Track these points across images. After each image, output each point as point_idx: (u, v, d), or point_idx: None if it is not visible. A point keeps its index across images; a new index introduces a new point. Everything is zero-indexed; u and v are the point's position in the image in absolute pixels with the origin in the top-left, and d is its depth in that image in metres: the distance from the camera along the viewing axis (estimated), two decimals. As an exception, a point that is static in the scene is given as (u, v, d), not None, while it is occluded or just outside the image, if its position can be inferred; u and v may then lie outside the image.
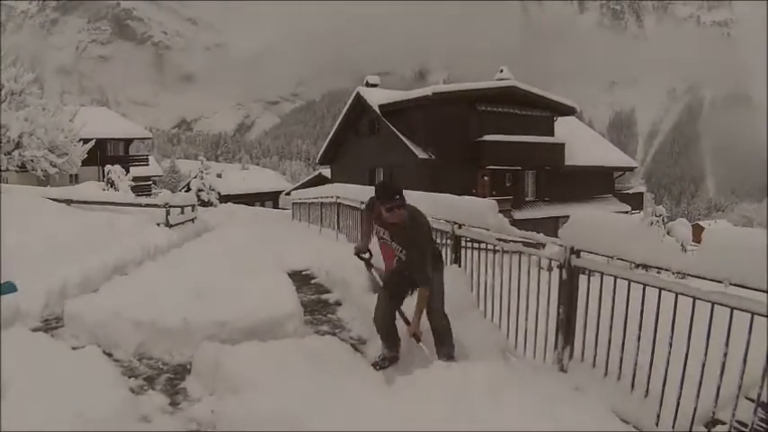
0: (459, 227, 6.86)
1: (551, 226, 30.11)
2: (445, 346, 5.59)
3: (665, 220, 31.29)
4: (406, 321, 5.54)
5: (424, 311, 5.43)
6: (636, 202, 39.87)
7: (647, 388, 4.46)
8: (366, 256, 6.16)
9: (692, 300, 4.02)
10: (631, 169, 42.13)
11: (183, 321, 6.03)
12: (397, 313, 5.69)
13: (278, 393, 4.30)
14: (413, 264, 5.33)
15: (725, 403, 3.90)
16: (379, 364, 5.76)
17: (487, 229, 6.19)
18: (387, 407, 4.28)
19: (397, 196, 5.14)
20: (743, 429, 3.91)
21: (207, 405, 4.63)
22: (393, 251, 5.56)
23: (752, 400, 3.82)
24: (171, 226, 15.17)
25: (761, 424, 3.96)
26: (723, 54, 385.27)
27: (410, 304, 5.53)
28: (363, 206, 6.02)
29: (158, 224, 14.38)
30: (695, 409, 4.06)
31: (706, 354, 3.96)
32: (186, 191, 39.70)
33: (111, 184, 27.90)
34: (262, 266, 9.17)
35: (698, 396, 4.02)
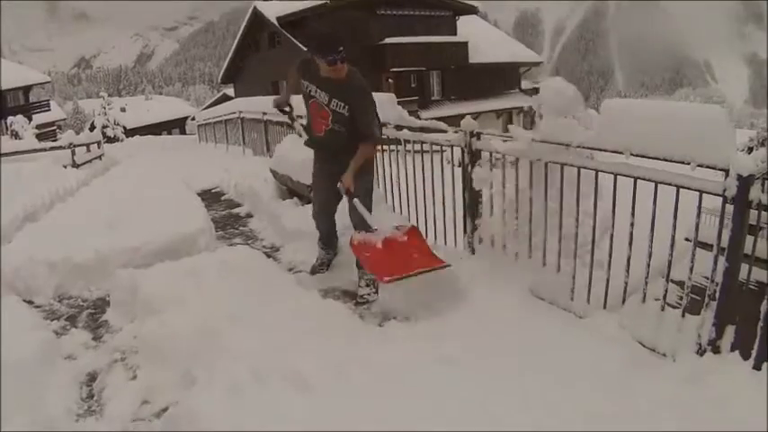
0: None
1: (458, 123, 30.45)
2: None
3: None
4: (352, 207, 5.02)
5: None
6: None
7: (558, 265, 4.53)
8: (287, 108, 5.71)
9: (594, 173, 4.07)
10: (537, 64, 42.59)
11: (96, 254, 5.88)
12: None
13: (195, 308, 4.27)
14: (359, 116, 4.82)
15: (640, 275, 3.97)
16: (317, 270, 5.61)
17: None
18: (303, 309, 4.34)
19: (341, 48, 4.64)
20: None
21: (129, 332, 4.55)
22: (326, 114, 4.91)
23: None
24: (78, 166, 14.82)
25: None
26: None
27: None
28: (296, 65, 5.28)
29: (65, 166, 13.93)
30: (608, 280, 4.16)
31: (613, 226, 4.03)
32: (91, 130, 38.50)
33: (16, 135, 26.86)
34: (170, 190, 9.06)
35: (609, 268, 4.12)
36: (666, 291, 3.87)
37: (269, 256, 6.05)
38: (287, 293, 4.68)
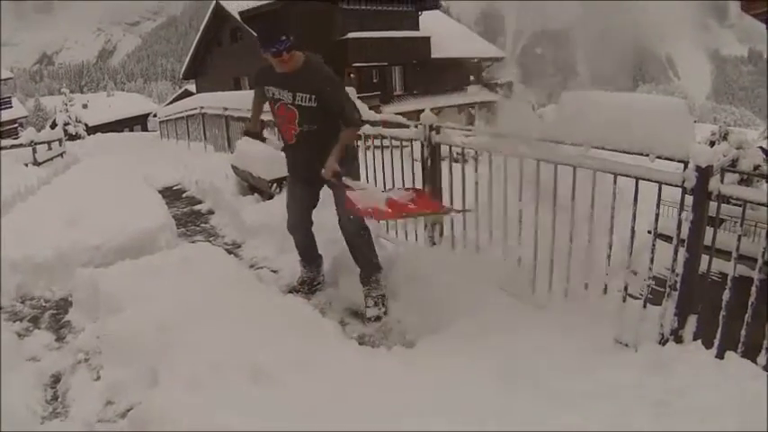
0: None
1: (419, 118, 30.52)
2: (365, 257, 4.79)
3: (535, 107, 32.00)
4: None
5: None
6: (506, 91, 40.42)
7: (519, 258, 4.55)
8: (257, 130, 5.40)
9: (553, 166, 4.07)
10: (498, 59, 42.63)
11: (57, 252, 5.82)
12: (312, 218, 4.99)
13: (157, 306, 4.23)
14: (334, 104, 4.40)
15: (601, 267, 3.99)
16: (298, 288, 5.15)
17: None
18: (264, 305, 4.35)
19: (284, 37, 4.24)
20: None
21: (91, 332, 4.50)
22: (293, 114, 4.48)
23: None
24: (39, 164, 14.60)
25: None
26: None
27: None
28: (253, 78, 4.98)
29: (26, 164, 13.72)
30: (568, 272, 4.17)
31: (572, 216, 4.03)
32: (52, 127, 37.88)
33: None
34: (131, 188, 8.99)
35: (569, 258, 4.13)
36: (628, 283, 3.89)
37: (230, 253, 6.01)
38: (248, 290, 4.67)
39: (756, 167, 8.18)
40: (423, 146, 5.04)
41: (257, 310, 4.23)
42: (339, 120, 4.43)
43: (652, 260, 3.73)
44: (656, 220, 3.69)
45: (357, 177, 4.74)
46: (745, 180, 8.16)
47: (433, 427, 2.87)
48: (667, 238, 3.76)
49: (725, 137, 19.89)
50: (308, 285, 5.16)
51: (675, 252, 3.54)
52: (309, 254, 5.17)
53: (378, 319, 4.58)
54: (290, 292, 5.05)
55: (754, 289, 3.30)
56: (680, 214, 3.52)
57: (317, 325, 4.16)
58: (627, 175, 3.66)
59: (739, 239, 3.40)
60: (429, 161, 5.04)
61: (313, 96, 4.39)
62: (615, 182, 3.75)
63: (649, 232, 3.83)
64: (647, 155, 3.48)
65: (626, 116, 3.64)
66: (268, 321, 4.05)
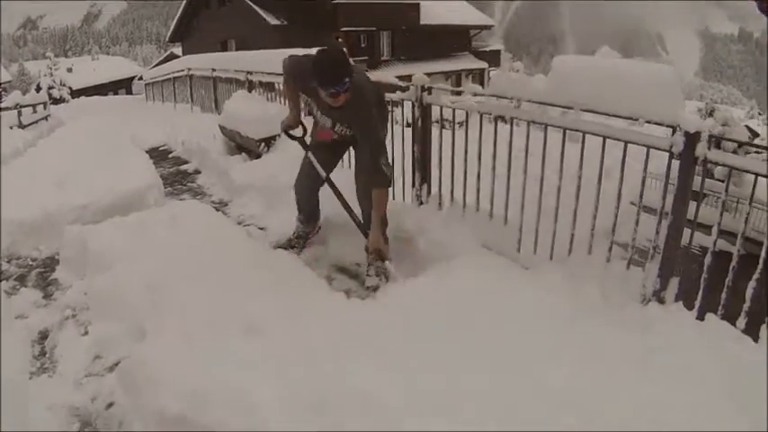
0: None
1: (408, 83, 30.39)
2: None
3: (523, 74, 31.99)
4: (347, 208, 4.56)
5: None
6: (493, 59, 40.40)
7: (506, 217, 4.59)
8: (299, 132, 4.89)
9: (544, 127, 4.09)
10: (488, 27, 42.51)
11: (44, 212, 5.78)
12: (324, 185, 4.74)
13: (145, 263, 4.23)
14: (363, 154, 4.29)
15: (586, 231, 4.05)
16: (293, 243, 5.01)
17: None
18: (253, 261, 4.36)
19: (347, 79, 3.89)
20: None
21: (79, 289, 4.51)
22: (330, 131, 4.39)
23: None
24: (24, 127, 14.33)
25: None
26: None
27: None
28: (284, 68, 4.56)
29: (11, 127, 13.58)
30: (554, 233, 4.22)
31: (561, 178, 4.07)
32: (37, 91, 37.52)
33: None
34: (118, 148, 8.88)
35: (555, 221, 4.18)
36: (612, 246, 3.94)
37: (218, 210, 5.98)
38: (237, 246, 4.67)
39: (741, 145, 8.23)
40: (414, 106, 5.02)
41: (245, 266, 4.24)
42: (363, 171, 4.35)
43: (636, 225, 3.78)
44: (643, 183, 3.73)
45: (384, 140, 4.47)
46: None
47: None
48: (651, 211, 3.81)
49: (711, 113, 20.02)
50: (303, 240, 5.06)
51: (660, 218, 3.60)
52: (311, 212, 5.02)
53: (377, 289, 4.33)
54: (283, 247, 4.93)
55: (734, 258, 3.37)
56: (666, 180, 3.55)
57: (305, 279, 4.19)
58: (616, 139, 3.69)
59: (722, 214, 3.43)
60: (420, 122, 5.03)
61: (349, 129, 4.28)
62: (604, 145, 3.78)
63: (632, 203, 3.86)
64: (637, 119, 3.51)
65: (616, 81, 3.65)
66: (257, 276, 4.06)
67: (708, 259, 3.43)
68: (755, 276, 3.28)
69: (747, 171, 3.28)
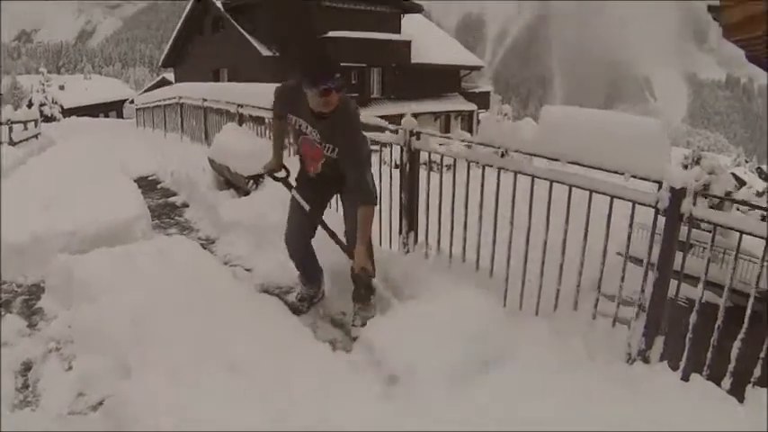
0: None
1: (397, 122, 30.43)
2: (362, 286, 4.55)
3: (512, 119, 32.16)
4: (333, 236, 4.44)
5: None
6: (482, 101, 40.45)
7: (492, 269, 4.61)
8: (281, 174, 4.75)
9: (530, 178, 4.13)
10: (478, 68, 42.76)
11: (32, 237, 5.78)
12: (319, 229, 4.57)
13: (131, 297, 4.24)
14: (348, 172, 4.11)
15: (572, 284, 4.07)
16: (297, 307, 4.77)
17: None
18: (237, 301, 4.39)
19: (338, 75, 3.82)
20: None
21: (64, 320, 4.48)
22: (319, 153, 4.20)
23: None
24: (14, 143, 14.45)
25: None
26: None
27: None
28: (275, 94, 4.47)
29: (1, 142, 13.59)
30: (540, 287, 4.24)
31: (547, 231, 4.11)
32: (29, 107, 37.44)
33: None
34: (107, 175, 8.88)
35: (541, 275, 4.19)
36: (598, 301, 3.98)
37: (204, 248, 6.00)
38: (222, 285, 4.69)
39: (728, 193, 8.38)
40: (402, 150, 5.06)
41: (230, 306, 4.25)
42: (349, 192, 4.25)
43: (623, 279, 3.81)
44: (629, 238, 3.78)
45: (369, 154, 4.45)
46: (717, 205, 8.36)
47: None
48: (637, 261, 3.84)
49: (698, 161, 20.23)
50: (308, 302, 4.88)
51: (645, 272, 3.62)
52: (311, 269, 4.85)
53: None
54: (292, 309, 4.64)
55: (720, 314, 3.38)
56: (652, 236, 3.62)
57: (290, 326, 4.19)
58: (602, 193, 3.72)
59: (707, 265, 3.50)
60: (408, 166, 5.07)
61: (336, 149, 4.11)
62: (590, 198, 3.82)
63: (619, 254, 3.92)
64: (623, 174, 3.54)
65: (604, 134, 3.69)
66: (241, 318, 4.07)
67: (693, 318, 3.46)
68: (740, 336, 3.30)
69: (732, 228, 3.33)
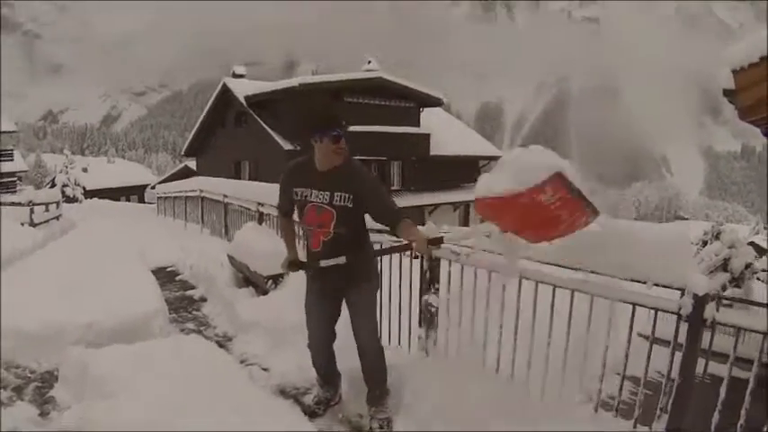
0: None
1: (417, 214, 30.56)
2: (377, 383, 4.55)
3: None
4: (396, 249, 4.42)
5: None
6: (502, 191, 40.65)
7: (512, 373, 4.54)
8: (299, 262, 4.63)
9: (552, 287, 4.12)
10: (496, 158, 43.15)
11: (48, 326, 5.78)
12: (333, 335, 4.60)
13: (145, 397, 4.20)
14: (375, 205, 4.09)
15: (590, 381, 4.03)
16: (314, 411, 4.74)
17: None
18: (252, 406, 4.31)
19: (343, 122, 3.97)
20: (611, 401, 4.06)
21: (76, 413, 4.42)
22: (328, 216, 4.13)
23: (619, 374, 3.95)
24: (35, 225, 14.49)
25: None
26: (592, 48, 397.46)
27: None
28: (280, 186, 4.46)
29: (22, 224, 13.68)
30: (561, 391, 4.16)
31: (568, 339, 4.07)
32: (51, 187, 38.15)
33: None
34: (126, 265, 8.90)
35: (563, 379, 4.12)
36: (618, 404, 3.95)
37: (221, 346, 5.98)
38: (237, 389, 4.61)
39: (748, 266, 8.30)
40: (422, 258, 5.06)
41: (246, 413, 4.17)
42: (383, 220, 4.12)
43: (645, 375, 3.77)
44: (648, 358, 3.74)
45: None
46: (736, 279, 8.26)
47: None
48: (663, 343, 3.79)
49: (717, 236, 20.13)
50: (325, 405, 4.81)
51: (667, 379, 3.60)
52: (329, 373, 4.81)
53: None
54: (307, 414, 4.62)
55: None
56: (672, 348, 3.57)
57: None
58: (624, 301, 3.71)
59: (730, 368, 3.45)
60: (428, 274, 5.08)
61: (351, 197, 4.09)
62: (592, 302, 3.82)
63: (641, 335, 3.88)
64: (645, 282, 3.53)
65: (627, 243, 3.68)
66: (256, 424, 4.00)
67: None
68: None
69: (755, 331, 3.30)
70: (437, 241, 3.98)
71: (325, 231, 4.19)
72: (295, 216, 4.55)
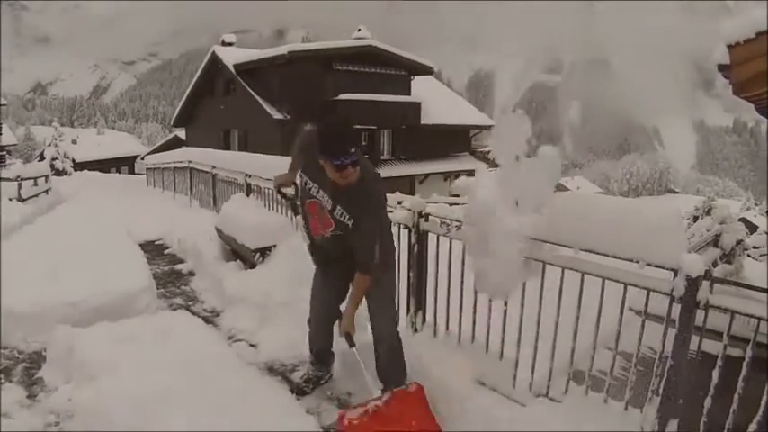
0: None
1: (407, 183, 30.52)
2: (393, 377, 4.39)
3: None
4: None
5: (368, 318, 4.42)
6: (492, 160, 40.63)
7: (501, 350, 4.49)
8: (289, 191, 4.64)
9: (541, 264, 4.05)
10: (488, 128, 43.06)
11: (35, 305, 5.75)
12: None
13: (131, 378, 4.22)
14: (358, 240, 4.02)
15: (582, 357, 3.98)
16: (302, 389, 4.68)
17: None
18: (239, 385, 4.32)
19: (353, 149, 3.72)
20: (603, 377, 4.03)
21: (64, 394, 4.48)
22: (328, 222, 4.11)
23: (610, 349, 3.92)
24: (24, 200, 14.46)
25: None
26: (585, 21, 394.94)
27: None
28: (297, 139, 4.46)
29: (10, 199, 13.59)
30: (551, 370, 4.14)
31: (558, 314, 4.01)
32: (40, 160, 37.88)
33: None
34: (114, 239, 8.94)
35: (553, 356, 4.09)
36: (609, 385, 3.88)
37: (209, 321, 5.98)
38: (225, 367, 4.61)
39: (739, 242, 8.30)
40: (410, 232, 5.00)
41: (233, 393, 4.17)
42: (354, 252, 4.08)
43: (637, 354, 3.72)
44: (643, 326, 3.69)
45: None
46: (727, 256, 8.23)
47: None
48: (655, 318, 3.74)
49: (708, 212, 20.18)
50: (314, 384, 4.75)
51: (659, 360, 3.55)
52: (324, 351, 4.76)
53: None
54: (295, 392, 4.60)
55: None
56: (665, 327, 3.53)
57: (292, 410, 4.16)
58: (615, 280, 3.66)
59: (724, 349, 3.41)
60: (416, 248, 5.00)
61: (351, 220, 4.01)
62: (603, 286, 3.74)
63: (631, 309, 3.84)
64: (637, 261, 3.47)
65: (618, 221, 3.62)
66: (243, 405, 4.01)
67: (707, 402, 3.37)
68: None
69: (750, 316, 3.25)
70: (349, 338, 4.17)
71: (325, 232, 4.18)
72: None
